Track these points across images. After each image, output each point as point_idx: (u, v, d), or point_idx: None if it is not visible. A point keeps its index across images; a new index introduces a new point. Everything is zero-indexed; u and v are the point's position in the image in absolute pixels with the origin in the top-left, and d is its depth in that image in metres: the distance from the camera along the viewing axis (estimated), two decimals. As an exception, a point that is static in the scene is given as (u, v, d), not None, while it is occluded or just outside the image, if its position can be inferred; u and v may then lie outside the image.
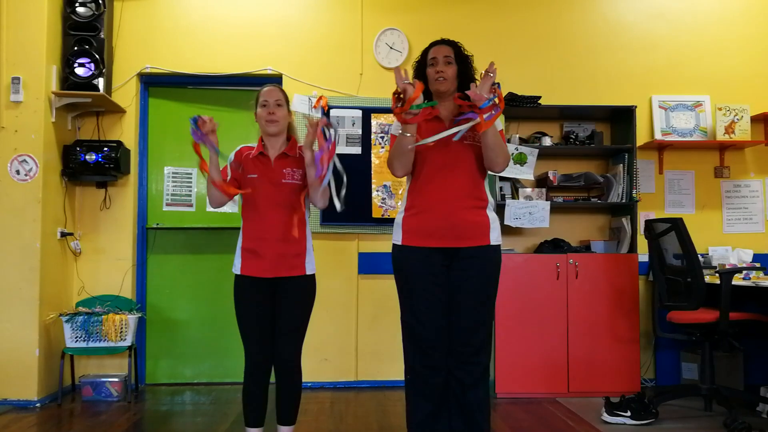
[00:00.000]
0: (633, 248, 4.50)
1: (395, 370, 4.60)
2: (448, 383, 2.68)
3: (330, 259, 4.67)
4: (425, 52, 2.79)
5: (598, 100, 4.82)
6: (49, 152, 4.29)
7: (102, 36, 4.42)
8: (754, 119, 4.82)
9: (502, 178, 4.60)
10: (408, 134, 2.57)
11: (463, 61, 2.75)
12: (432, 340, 2.64)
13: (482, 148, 2.63)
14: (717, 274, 3.83)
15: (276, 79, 4.81)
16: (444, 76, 2.67)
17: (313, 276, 2.93)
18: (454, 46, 2.77)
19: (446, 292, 2.67)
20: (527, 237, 4.80)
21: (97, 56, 4.37)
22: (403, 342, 2.75)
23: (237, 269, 2.87)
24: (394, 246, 2.75)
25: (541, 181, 4.73)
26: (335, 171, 2.77)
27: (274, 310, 2.85)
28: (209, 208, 4.90)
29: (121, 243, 4.66)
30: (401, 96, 2.55)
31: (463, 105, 2.60)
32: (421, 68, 2.78)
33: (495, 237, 2.69)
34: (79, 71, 4.36)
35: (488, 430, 2.69)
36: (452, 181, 2.64)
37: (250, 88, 4.92)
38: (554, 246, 4.57)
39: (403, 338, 2.75)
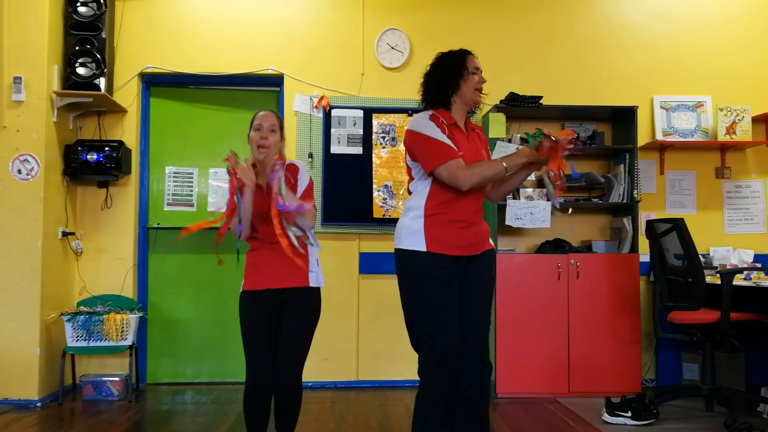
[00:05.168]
0: (634, 248, 4.50)
1: (396, 370, 4.59)
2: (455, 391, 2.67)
3: (331, 259, 4.67)
4: (462, 59, 2.71)
5: (600, 101, 4.82)
6: (51, 152, 4.29)
7: (103, 36, 4.43)
8: (756, 120, 4.82)
9: (503, 178, 4.60)
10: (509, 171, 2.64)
11: None
12: (455, 347, 2.57)
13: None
14: (718, 275, 3.83)
15: (277, 79, 4.81)
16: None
17: (318, 290, 2.88)
18: None
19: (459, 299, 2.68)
20: (528, 237, 4.80)
21: (98, 56, 4.37)
22: (421, 352, 2.61)
23: (243, 286, 2.86)
24: (415, 252, 2.59)
25: (542, 182, 4.71)
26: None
27: (278, 326, 2.79)
28: (210, 208, 4.91)
29: (122, 242, 4.67)
30: None
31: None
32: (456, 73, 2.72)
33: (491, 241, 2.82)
34: (81, 71, 4.36)
35: None
36: (474, 192, 2.64)
37: (251, 88, 4.95)
38: (555, 246, 4.57)
39: (419, 349, 2.62)
